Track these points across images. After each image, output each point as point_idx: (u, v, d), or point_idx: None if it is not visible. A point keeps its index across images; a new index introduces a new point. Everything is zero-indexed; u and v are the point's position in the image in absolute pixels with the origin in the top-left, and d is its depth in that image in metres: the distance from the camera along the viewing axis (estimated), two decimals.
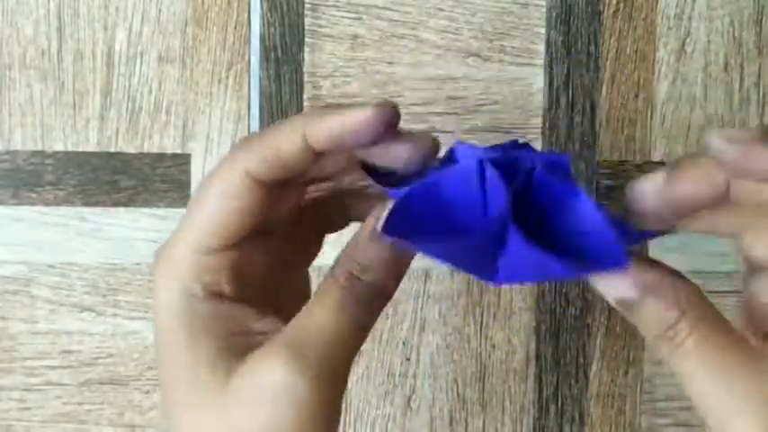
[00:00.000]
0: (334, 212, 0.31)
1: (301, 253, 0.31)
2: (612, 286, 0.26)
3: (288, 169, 0.27)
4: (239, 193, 0.27)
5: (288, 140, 0.27)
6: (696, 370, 0.25)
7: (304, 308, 0.26)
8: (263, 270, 0.29)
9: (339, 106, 0.26)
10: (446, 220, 0.26)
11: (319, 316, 0.26)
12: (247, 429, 0.25)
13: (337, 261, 0.27)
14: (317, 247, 0.32)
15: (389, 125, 0.27)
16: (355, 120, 0.26)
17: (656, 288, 0.25)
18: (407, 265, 0.27)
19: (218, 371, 0.26)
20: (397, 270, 0.27)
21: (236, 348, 0.26)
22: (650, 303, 0.25)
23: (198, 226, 0.27)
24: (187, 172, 0.44)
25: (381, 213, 0.25)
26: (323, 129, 0.26)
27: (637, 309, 0.26)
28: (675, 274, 0.26)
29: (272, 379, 0.25)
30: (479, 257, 0.26)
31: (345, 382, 0.27)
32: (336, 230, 0.32)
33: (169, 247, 0.28)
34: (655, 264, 0.26)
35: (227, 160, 0.27)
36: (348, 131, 0.26)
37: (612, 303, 0.26)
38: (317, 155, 0.27)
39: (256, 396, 0.25)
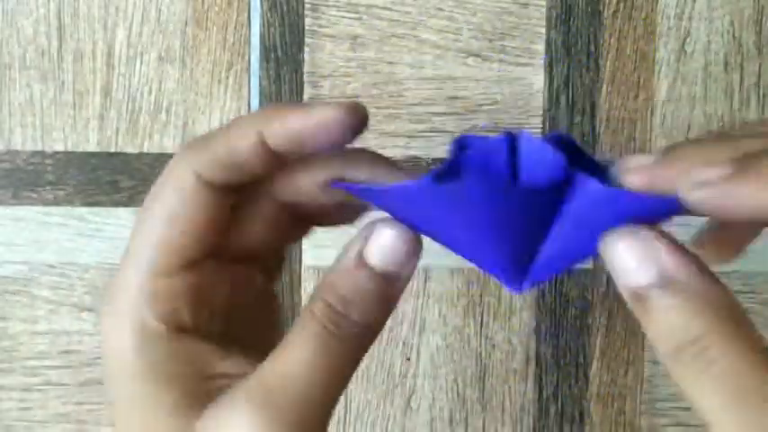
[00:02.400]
0: (294, 221, 0.26)
1: (265, 272, 0.27)
2: (627, 267, 0.20)
3: (242, 171, 0.23)
4: (193, 197, 0.23)
5: (241, 138, 0.23)
6: (714, 397, 0.19)
7: (276, 350, 0.22)
8: (225, 298, 0.25)
9: (301, 104, 0.23)
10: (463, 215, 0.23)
11: (293, 361, 0.21)
12: None
13: (315, 292, 0.22)
14: (279, 261, 0.28)
15: (357, 130, 0.23)
16: (321, 118, 0.22)
17: (683, 279, 0.20)
18: (398, 297, 0.23)
19: (179, 423, 0.22)
20: (386, 304, 0.23)
21: (198, 396, 0.22)
22: (671, 302, 0.20)
23: (150, 242, 0.23)
24: None
25: (369, 233, 0.22)
26: (283, 126, 0.22)
27: (651, 306, 0.20)
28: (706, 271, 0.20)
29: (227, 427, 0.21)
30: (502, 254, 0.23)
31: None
32: (300, 237, 0.27)
33: (117, 277, 0.23)
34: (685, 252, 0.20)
35: (173, 162, 0.23)
36: (311, 131, 0.22)
37: (625, 293, 0.21)
38: (274, 157, 0.23)
39: None
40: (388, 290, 0.23)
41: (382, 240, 0.22)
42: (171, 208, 0.23)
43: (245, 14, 0.43)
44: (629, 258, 0.21)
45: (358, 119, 0.23)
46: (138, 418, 0.22)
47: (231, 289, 0.25)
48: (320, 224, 0.27)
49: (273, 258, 0.27)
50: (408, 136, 0.44)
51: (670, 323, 0.20)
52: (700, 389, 0.19)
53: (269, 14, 0.43)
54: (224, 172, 0.23)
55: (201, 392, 0.22)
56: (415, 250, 0.23)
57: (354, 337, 0.22)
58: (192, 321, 0.23)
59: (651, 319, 0.20)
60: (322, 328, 0.21)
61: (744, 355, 0.19)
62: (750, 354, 0.19)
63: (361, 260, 0.22)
